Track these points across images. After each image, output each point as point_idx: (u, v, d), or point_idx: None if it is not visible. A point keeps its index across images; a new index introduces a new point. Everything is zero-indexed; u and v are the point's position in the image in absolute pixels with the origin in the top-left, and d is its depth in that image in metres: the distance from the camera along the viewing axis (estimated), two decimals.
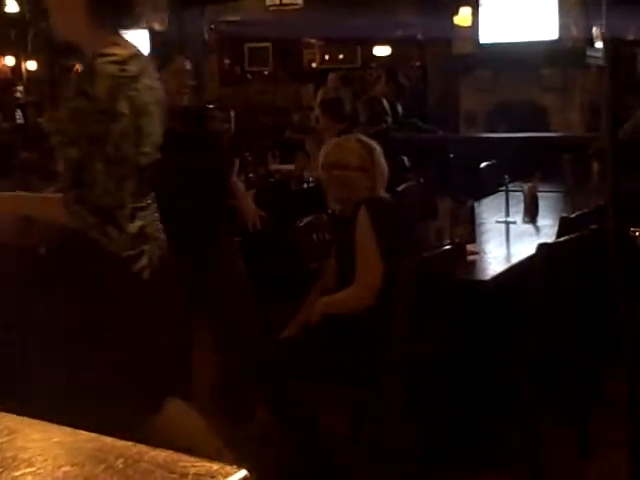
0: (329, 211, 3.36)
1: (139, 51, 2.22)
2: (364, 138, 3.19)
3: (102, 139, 2.06)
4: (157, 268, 2.22)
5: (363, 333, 2.86)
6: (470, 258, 3.50)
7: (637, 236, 1.03)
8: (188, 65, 3.37)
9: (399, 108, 9.07)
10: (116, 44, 2.15)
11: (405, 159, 6.20)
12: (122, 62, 2.10)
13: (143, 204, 2.23)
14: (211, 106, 8.50)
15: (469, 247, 3.59)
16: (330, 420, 3.16)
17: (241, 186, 3.92)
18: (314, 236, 3.64)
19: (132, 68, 2.12)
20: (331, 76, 11.52)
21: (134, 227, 2.17)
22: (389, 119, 6.14)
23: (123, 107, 2.07)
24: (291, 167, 6.44)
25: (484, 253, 3.67)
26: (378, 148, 3.13)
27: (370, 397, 2.83)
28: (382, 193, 3.11)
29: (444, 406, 2.99)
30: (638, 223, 1.39)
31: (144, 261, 2.19)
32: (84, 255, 2.16)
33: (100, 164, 2.06)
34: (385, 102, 6.23)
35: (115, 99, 2.06)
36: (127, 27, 2.22)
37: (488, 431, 3.32)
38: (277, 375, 2.95)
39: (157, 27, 9.47)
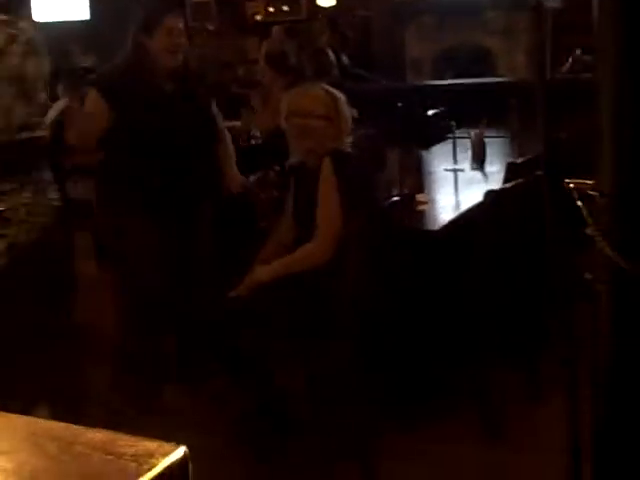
0: (287, 163, 3.30)
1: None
2: (328, 87, 3.14)
3: None
4: (22, 253, 2.14)
5: (316, 288, 2.85)
6: (419, 208, 3.51)
7: (571, 188, 1.02)
8: (181, 23, 3.24)
9: (344, 59, 9.01)
10: None
11: (353, 110, 6.15)
12: None
13: (6, 188, 2.15)
14: None
15: (418, 197, 3.60)
16: (285, 375, 3.16)
17: (229, 150, 3.77)
18: (262, 195, 3.60)
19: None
20: (275, 29, 11.33)
21: None
22: (335, 71, 6.08)
23: None
24: (237, 123, 6.34)
25: (433, 202, 3.68)
26: (342, 97, 3.08)
27: (323, 351, 2.83)
28: (346, 144, 3.07)
29: (396, 358, 3.00)
30: (578, 167, 1.37)
31: (1, 246, 2.11)
32: None
33: None
34: (331, 53, 6.15)
35: None
36: None
37: (439, 379, 3.35)
38: (230, 333, 2.94)
39: None
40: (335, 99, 3.04)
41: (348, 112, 3.07)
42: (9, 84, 2.15)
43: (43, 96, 2.33)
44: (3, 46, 2.14)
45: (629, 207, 1.01)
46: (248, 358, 2.94)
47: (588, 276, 1.03)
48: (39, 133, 2.28)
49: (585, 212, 0.99)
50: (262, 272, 2.94)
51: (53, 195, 2.34)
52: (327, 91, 3.07)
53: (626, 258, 0.97)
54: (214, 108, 3.56)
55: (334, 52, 6.73)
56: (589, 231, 1.00)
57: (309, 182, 2.94)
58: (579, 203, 1.00)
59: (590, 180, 1.02)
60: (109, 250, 3.69)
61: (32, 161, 2.26)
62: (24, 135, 2.21)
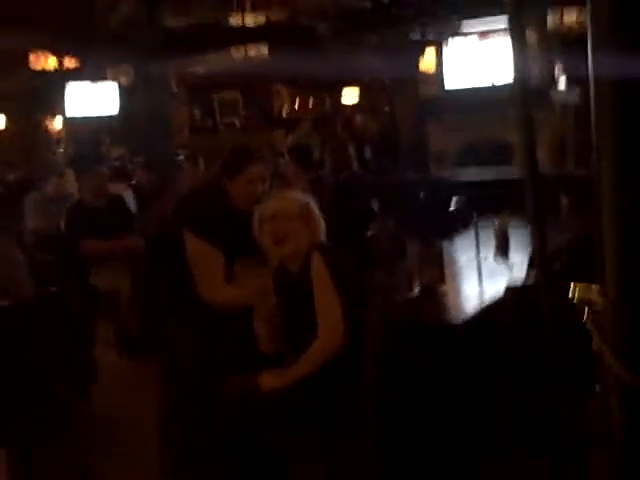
0: (273, 272, 3.19)
1: None
2: (298, 193, 3.13)
3: None
4: None
5: (336, 383, 2.79)
6: (441, 300, 3.46)
7: (577, 294, 0.98)
8: (262, 172, 3.17)
9: (367, 152, 9.14)
10: None
11: (375, 202, 6.20)
12: None
13: None
14: (180, 156, 8.48)
15: (440, 288, 3.56)
16: (303, 470, 3.06)
17: None
18: None
19: None
20: (303, 122, 11.61)
21: None
22: (355, 165, 6.16)
23: None
24: None
25: (456, 293, 3.63)
26: (311, 201, 3.07)
27: (343, 445, 2.75)
28: (325, 241, 3.02)
29: (419, 451, 2.91)
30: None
31: None
32: None
33: None
34: (351, 148, 6.25)
35: None
36: None
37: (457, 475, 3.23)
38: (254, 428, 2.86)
39: (123, 81, 9.50)
40: (306, 202, 3.03)
41: (319, 215, 3.04)
42: None
43: None
44: None
45: (635, 315, 0.97)
46: (270, 455, 2.85)
47: (598, 389, 0.98)
48: None
49: (591, 326, 0.95)
50: (273, 381, 2.84)
51: None
52: (296, 196, 3.07)
53: (634, 371, 0.92)
54: None
55: (357, 146, 6.83)
56: (595, 345, 0.96)
57: (298, 283, 2.89)
58: (585, 317, 0.96)
59: (595, 284, 0.99)
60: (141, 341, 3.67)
61: None
62: None
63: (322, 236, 3.00)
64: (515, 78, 1.09)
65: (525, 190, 1.05)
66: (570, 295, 1.06)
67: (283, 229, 2.93)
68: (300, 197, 3.05)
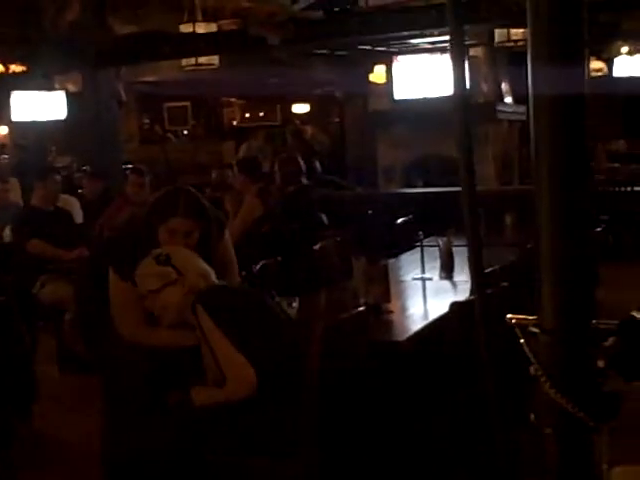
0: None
1: None
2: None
3: None
4: None
5: (281, 402, 2.78)
6: (385, 318, 3.49)
7: (514, 323, 1.00)
8: (190, 226, 2.94)
9: (317, 166, 9.17)
10: None
11: (324, 217, 6.23)
12: None
13: None
14: (129, 167, 8.40)
15: (385, 306, 3.59)
16: None
17: None
18: None
19: None
20: (259, 133, 11.62)
21: None
22: (304, 178, 6.20)
23: None
24: None
25: (401, 311, 3.67)
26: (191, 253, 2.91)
27: (289, 469, 2.74)
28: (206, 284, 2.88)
29: (363, 472, 2.92)
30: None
31: None
32: None
33: None
34: (301, 161, 6.28)
35: None
36: None
37: None
38: (194, 451, 2.84)
39: (72, 88, 9.36)
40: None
41: (195, 265, 2.89)
42: None
43: None
44: None
45: (572, 346, 1.00)
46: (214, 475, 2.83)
47: (532, 418, 1.01)
48: None
49: (527, 351, 0.98)
50: (203, 397, 2.80)
51: None
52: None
53: (571, 401, 0.95)
54: None
55: (307, 159, 6.86)
56: (532, 371, 0.99)
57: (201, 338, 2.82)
58: (522, 341, 0.99)
59: (532, 316, 1.01)
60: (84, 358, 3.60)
61: None
62: None
63: (203, 281, 2.87)
64: (455, 94, 1.11)
65: (462, 206, 1.07)
66: (507, 321, 1.09)
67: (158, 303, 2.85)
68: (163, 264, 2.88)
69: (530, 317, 1.01)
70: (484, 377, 1.04)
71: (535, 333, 1.00)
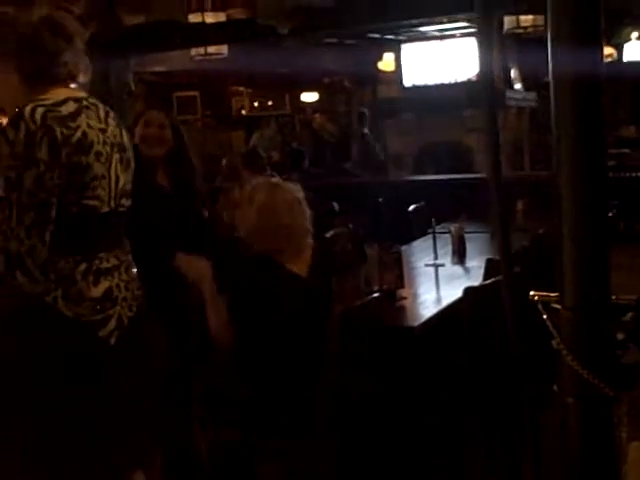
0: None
1: (83, 95, 2.16)
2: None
3: (15, 184, 1.99)
4: (128, 330, 2.13)
5: (297, 387, 2.83)
6: (399, 304, 3.52)
7: (537, 300, 1.04)
8: (161, 119, 3.39)
9: (326, 153, 9.20)
10: (50, 93, 2.10)
11: (335, 204, 6.26)
12: (53, 104, 2.04)
13: (109, 265, 2.14)
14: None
15: (399, 292, 3.62)
16: (267, 475, 3.09)
17: None
18: None
19: (64, 109, 2.05)
20: (271, 123, 11.65)
21: (98, 291, 2.08)
22: (306, 164, 6.29)
23: (41, 153, 1.99)
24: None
25: (414, 297, 3.70)
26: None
27: (305, 450, 2.79)
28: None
29: (378, 455, 2.96)
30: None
31: (111, 325, 2.09)
32: (41, 323, 2.04)
33: (14, 211, 1.99)
34: (304, 150, 6.39)
35: (32, 144, 1.98)
36: (55, 82, 2.16)
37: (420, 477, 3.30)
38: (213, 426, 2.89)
39: (82, 79, 9.39)
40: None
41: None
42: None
43: None
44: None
45: (593, 320, 1.03)
46: (230, 452, 2.89)
47: (555, 389, 1.05)
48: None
49: (550, 325, 1.02)
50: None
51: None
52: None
53: (592, 372, 0.99)
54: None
55: (316, 147, 6.91)
56: (555, 344, 1.02)
57: None
58: (544, 316, 1.03)
59: (554, 293, 1.05)
60: None
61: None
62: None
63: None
64: (481, 80, 1.13)
65: (489, 187, 1.09)
66: (530, 298, 1.12)
67: None
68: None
69: (552, 294, 1.04)
70: (512, 357, 1.08)
71: (557, 309, 1.03)
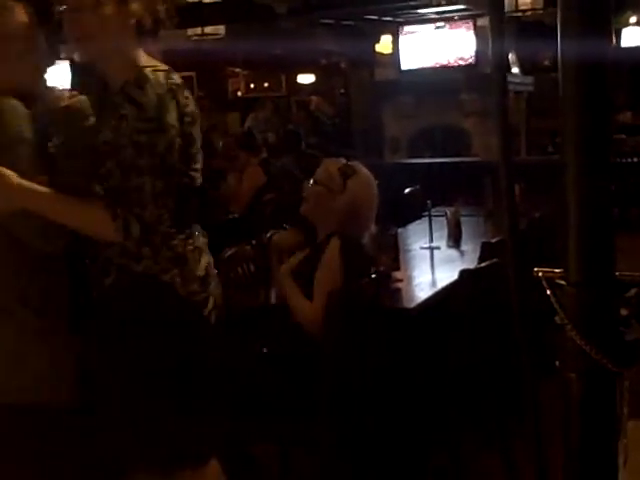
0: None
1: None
2: (348, 164, 3.29)
3: (147, 149, 1.90)
4: (220, 310, 2.11)
5: (296, 367, 2.83)
6: (395, 285, 3.53)
7: (541, 277, 1.04)
8: None
9: (322, 134, 9.19)
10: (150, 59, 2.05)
11: None
12: (166, 71, 2.01)
13: (204, 241, 2.11)
14: None
15: (394, 274, 3.62)
16: (266, 457, 3.11)
17: None
18: (239, 269, 3.60)
19: (176, 77, 2.02)
20: (267, 104, 11.60)
21: (201, 269, 2.05)
22: (302, 148, 6.31)
23: (172, 118, 1.94)
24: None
25: (409, 280, 3.70)
26: (362, 178, 3.23)
27: (308, 432, 2.79)
28: (354, 228, 3.15)
29: (376, 436, 2.98)
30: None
31: (210, 304, 2.07)
32: (159, 299, 2.00)
33: (144, 177, 1.90)
34: (300, 132, 6.40)
35: (164, 108, 1.93)
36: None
37: (417, 458, 3.32)
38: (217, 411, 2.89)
39: (77, 58, 9.34)
40: (346, 175, 3.23)
41: (362, 193, 3.27)
42: None
43: None
44: None
45: (597, 296, 1.03)
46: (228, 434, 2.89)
47: (557, 364, 1.05)
48: None
49: (554, 301, 1.02)
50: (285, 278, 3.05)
51: None
52: (342, 166, 3.25)
53: (595, 347, 1.00)
54: None
55: (313, 128, 6.92)
56: (558, 320, 1.03)
57: (315, 252, 3.03)
58: (548, 292, 1.03)
59: (558, 269, 1.05)
60: None
61: None
62: None
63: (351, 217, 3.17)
64: (494, 63, 1.13)
65: (499, 166, 1.09)
66: (534, 274, 1.12)
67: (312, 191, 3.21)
68: (341, 169, 3.24)
69: (556, 270, 1.05)
70: (516, 334, 1.08)
71: (561, 285, 1.04)
